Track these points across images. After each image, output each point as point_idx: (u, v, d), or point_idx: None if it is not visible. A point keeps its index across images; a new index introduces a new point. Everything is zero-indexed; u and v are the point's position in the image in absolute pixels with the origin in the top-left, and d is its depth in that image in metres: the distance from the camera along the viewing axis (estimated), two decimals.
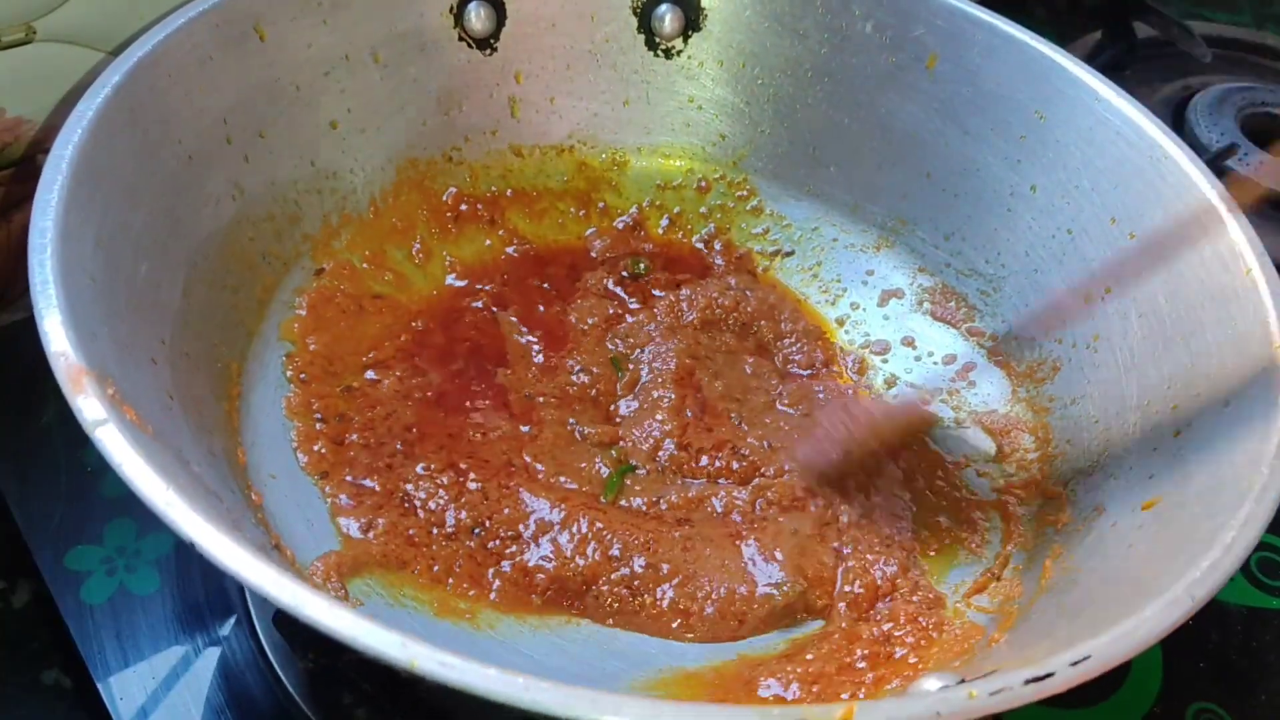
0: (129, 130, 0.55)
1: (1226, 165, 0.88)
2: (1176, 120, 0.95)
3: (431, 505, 0.60)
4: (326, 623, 0.36)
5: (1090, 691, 0.61)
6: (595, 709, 0.35)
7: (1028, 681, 0.38)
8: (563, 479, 0.63)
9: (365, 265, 0.71)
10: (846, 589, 0.60)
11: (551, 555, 0.58)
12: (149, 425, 0.44)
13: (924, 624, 0.58)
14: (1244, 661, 0.64)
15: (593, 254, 0.78)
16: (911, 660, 0.56)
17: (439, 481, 0.61)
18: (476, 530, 0.59)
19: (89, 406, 0.41)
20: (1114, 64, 1.01)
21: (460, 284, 0.73)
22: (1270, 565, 0.69)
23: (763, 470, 0.64)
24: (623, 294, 0.76)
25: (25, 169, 0.57)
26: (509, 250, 0.77)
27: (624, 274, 0.77)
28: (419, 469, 0.61)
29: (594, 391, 0.68)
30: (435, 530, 0.59)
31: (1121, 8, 1.03)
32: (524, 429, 0.65)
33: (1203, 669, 0.63)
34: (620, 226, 0.80)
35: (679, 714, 0.36)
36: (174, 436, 0.47)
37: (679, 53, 0.79)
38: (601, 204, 0.80)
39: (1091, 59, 0.99)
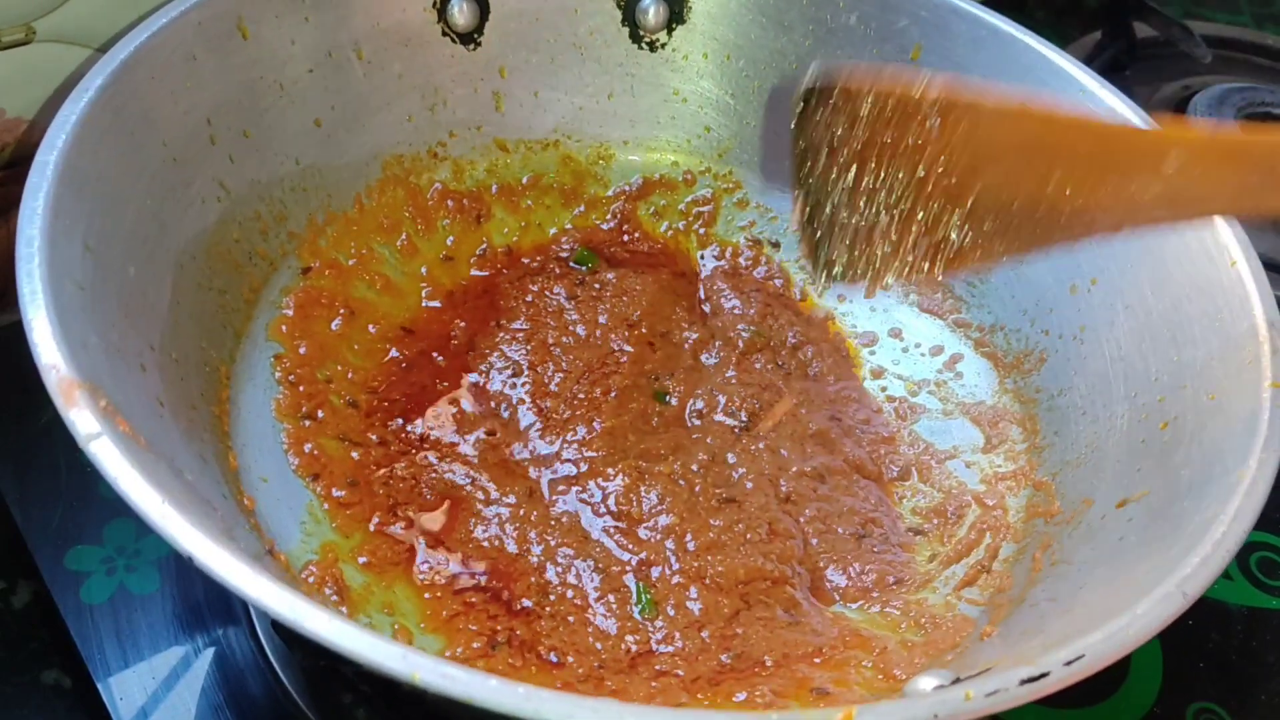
0: (114, 133, 0.55)
1: None
2: None
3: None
4: (327, 636, 0.36)
5: (1090, 691, 0.62)
6: (597, 717, 0.35)
7: (1023, 682, 0.39)
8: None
9: (352, 263, 0.70)
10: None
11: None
12: (141, 435, 0.44)
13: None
14: (1244, 661, 0.64)
15: (562, 253, 0.78)
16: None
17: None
18: None
19: (82, 420, 0.41)
20: (1114, 64, 1.01)
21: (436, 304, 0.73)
22: (1270, 565, 0.70)
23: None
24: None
25: (27, 168, 0.57)
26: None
27: (570, 265, 0.77)
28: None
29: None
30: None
31: (1121, 8, 1.03)
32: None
33: (1203, 669, 0.64)
34: (608, 225, 0.80)
35: None
36: (166, 445, 0.47)
37: (663, 45, 0.79)
38: (588, 195, 0.81)
39: (1091, 59, 0.99)
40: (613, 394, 0.67)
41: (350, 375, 0.66)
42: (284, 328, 0.65)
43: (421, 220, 0.75)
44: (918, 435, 0.70)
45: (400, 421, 0.65)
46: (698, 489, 0.63)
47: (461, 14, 0.74)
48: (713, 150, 0.82)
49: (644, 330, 0.72)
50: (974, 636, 0.56)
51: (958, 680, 0.42)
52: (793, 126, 0.54)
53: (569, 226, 0.79)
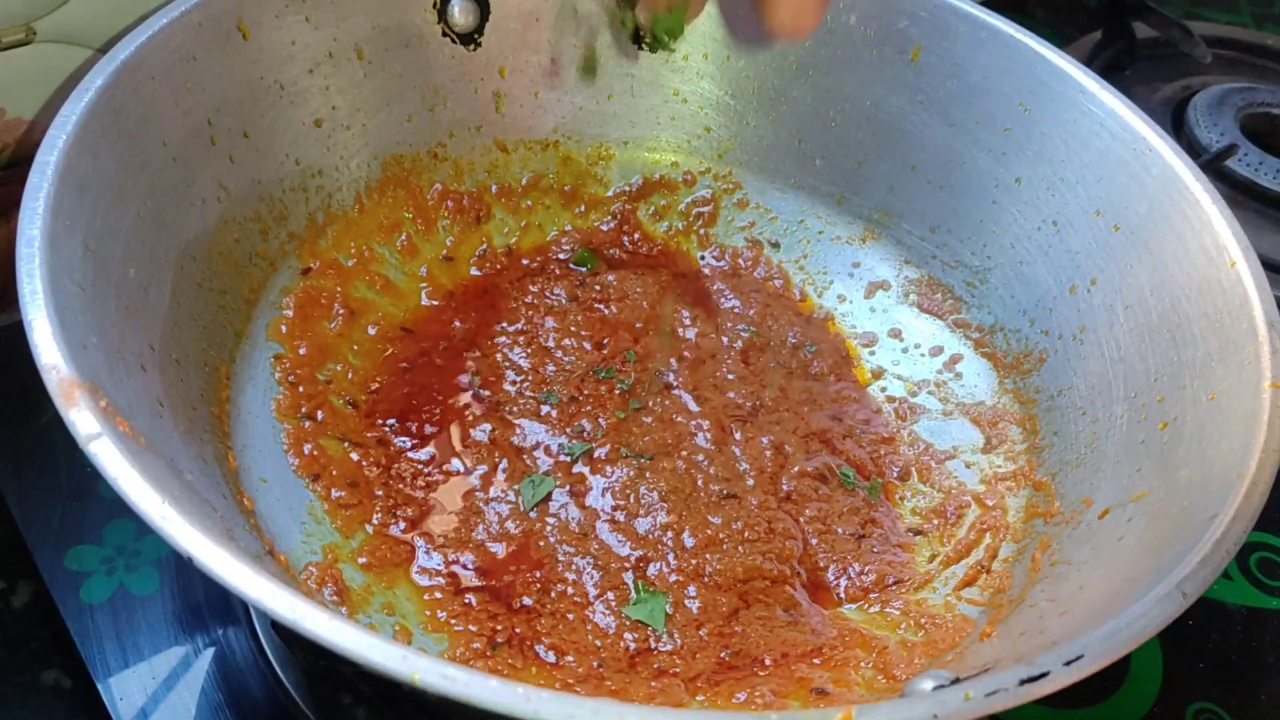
0: (114, 133, 0.55)
1: (1226, 165, 0.89)
2: (1176, 120, 0.96)
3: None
4: (327, 636, 0.36)
5: (1090, 691, 0.62)
6: (597, 718, 0.35)
7: (1022, 682, 0.39)
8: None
9: (352, 263, 0.70)
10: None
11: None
12: (141, 436, 0.44)
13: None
14: (1244, 661, 0.65)
15: (562, 254, 0.78)
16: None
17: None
18: None
19: (82, 420, 0.41)
20: (1114, 64, 1.01)
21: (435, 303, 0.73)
22: (1270, 565, 0.70)
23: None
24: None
25: (27, 168, 0.57)
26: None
27: (570, 266, 0.77)
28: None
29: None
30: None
31: (1121, 8, 1.03)
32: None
33: (1203, 669, 0.64)
34: (608, 226, 0.80)
35: None
36: (166, 445, 0.47)
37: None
38: (588, 196, 0.81)
39: (1091, 59, 0.99)
40: (615, 392, 0.68)
41: (350, 376, 0.66)
42: (284, 328, 0.65)
43: (421, 220, 0.75)
44: (918, 436, 0.70)
45: (400, 421, 0.65)
46: (699, 483, 0.63)
47: (462, 14, 0.74)
48: (713, 150, 0.82)
49: (645, 331, 0.72)
50: (974, 636, 0.56)
51: (957, 680, 0.42)
52: None
53: (569, 227, 0.79)
